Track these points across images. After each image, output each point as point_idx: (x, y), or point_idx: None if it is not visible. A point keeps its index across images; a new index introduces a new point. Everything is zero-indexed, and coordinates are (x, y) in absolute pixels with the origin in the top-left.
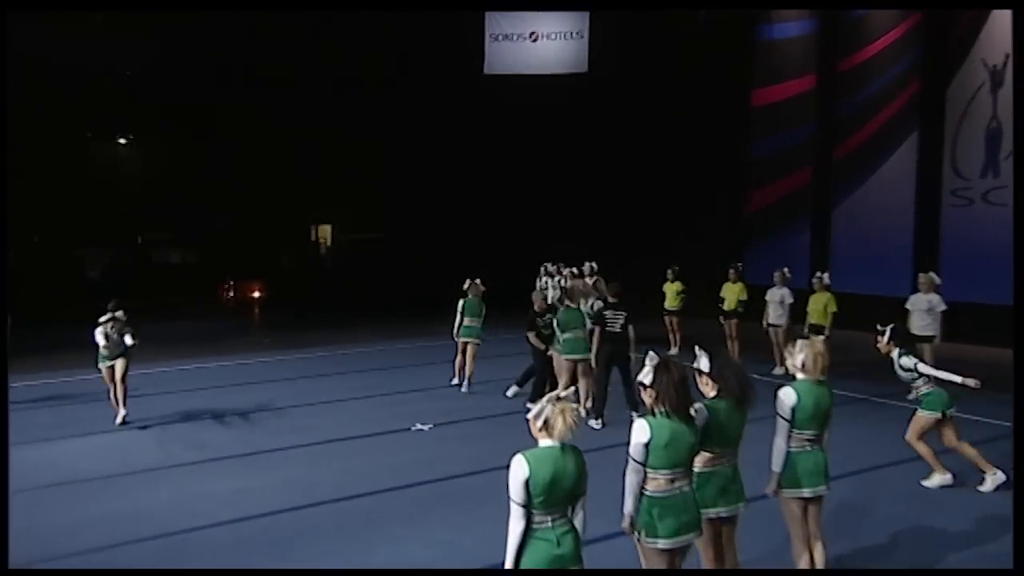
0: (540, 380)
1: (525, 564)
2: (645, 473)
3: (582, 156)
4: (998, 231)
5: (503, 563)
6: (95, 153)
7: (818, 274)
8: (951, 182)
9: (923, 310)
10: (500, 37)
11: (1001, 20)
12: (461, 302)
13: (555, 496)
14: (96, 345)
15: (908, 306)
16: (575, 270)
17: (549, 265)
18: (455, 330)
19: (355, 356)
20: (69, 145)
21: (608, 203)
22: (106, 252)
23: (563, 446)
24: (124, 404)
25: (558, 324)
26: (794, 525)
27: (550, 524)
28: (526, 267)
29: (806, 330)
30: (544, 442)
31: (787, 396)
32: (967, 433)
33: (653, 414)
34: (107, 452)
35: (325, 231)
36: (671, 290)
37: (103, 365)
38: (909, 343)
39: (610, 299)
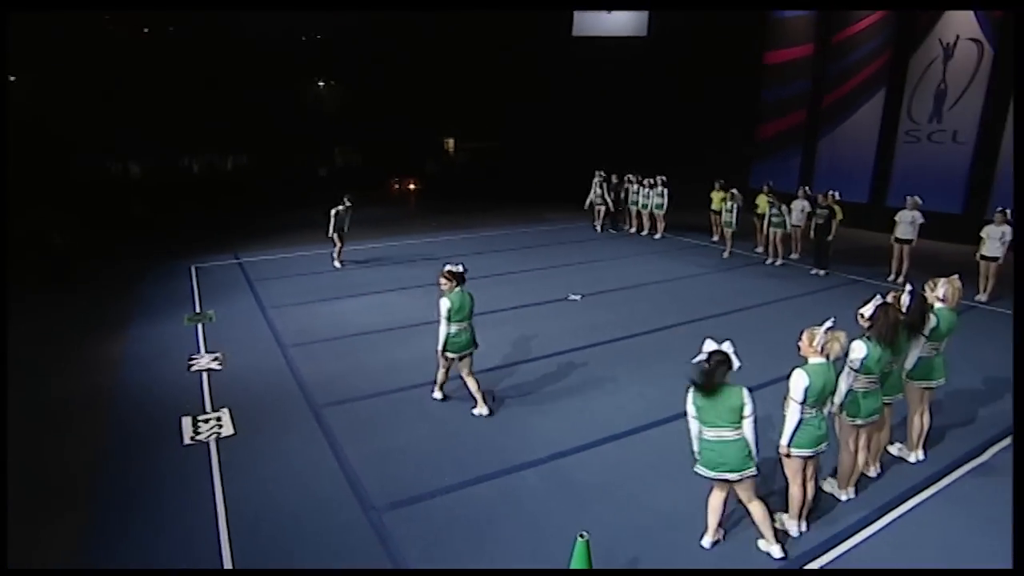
0: None
1: (798, 442)
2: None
3: (642, 96)
4: (938, 161)
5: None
6: (304, 92)
7: (830, 192)
8: (905, 125)
9: (907, 222)
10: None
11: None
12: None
13: (821, 397)
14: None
15: (897, 218)
16: (635, 177)
17: (602, 172)
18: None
19: (499, 237)
20: (287, 87)
21: (656, 132)
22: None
23: (829, 363)
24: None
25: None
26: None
27: (814, 415)
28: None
29: (812, 233)
30: (816, 359)
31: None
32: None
33: (869, 339)
34: (372, 310)
35: (450, 143)
36: (716, 197)
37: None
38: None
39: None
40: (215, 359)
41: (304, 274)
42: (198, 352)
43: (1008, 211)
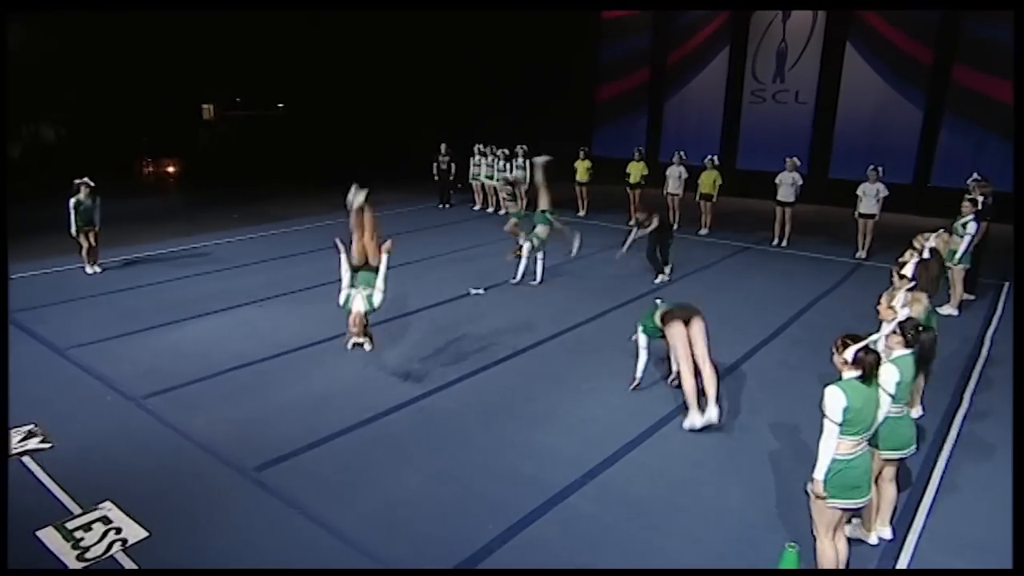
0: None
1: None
2: None
3: (462, 59)
4: (783, 121)
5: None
6: None
7: (709, 156)
8: (751, 85)
9: (788, 184)
10: None
11: None
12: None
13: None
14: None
15: (778, 180)
16: (486, 147)
17: (481, 146)
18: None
19: (330, 228)
20: None
21: (494, 97)
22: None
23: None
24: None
25: None
26: None
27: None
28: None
29: (697, 198)
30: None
31: None
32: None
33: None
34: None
35: (208, 108)
36: (582, 166)
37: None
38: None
39: None
40: (31, 435)
41: (95, 295)
42: None
43: (880, 169)
